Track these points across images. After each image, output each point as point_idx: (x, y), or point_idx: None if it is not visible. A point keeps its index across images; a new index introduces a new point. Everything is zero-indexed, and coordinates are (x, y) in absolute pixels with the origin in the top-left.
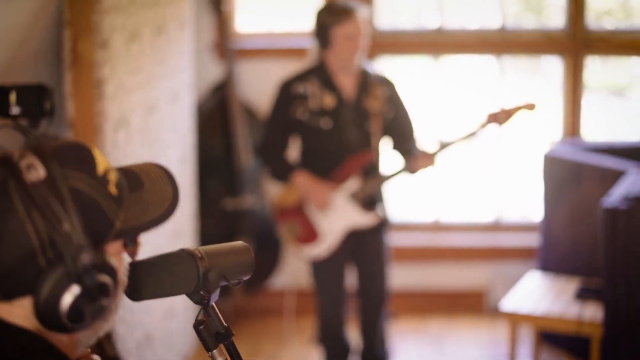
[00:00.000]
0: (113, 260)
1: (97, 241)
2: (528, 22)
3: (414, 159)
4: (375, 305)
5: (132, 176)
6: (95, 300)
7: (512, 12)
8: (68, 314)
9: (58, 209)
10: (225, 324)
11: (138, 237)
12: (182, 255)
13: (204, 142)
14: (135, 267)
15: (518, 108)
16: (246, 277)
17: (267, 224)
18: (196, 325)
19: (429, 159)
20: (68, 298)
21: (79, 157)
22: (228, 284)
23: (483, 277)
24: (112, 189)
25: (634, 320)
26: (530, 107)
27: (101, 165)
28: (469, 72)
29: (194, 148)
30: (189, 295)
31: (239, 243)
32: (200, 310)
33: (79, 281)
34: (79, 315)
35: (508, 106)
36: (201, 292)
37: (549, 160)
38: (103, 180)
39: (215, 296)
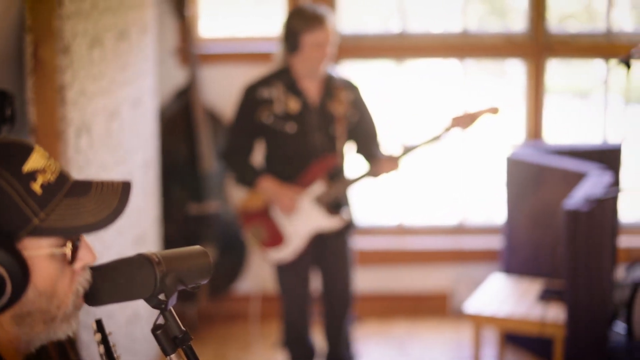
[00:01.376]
0: (26, 255)
1: (9, 234)
2: (492, 25)
3: (378, 163)
4: (340, 309)
5: (81, 184)
6: None
7: (476, 16)
8: None
9: None
10: (183, 328)
11: (79, 240)
12: (139, 260)
13: (167, 147)
14: (92, 272)
15: (482, 112)
16: (204, 281)
17: (232, 228)
18: (154, 330)
19: (393, 163)
20: None
21: (8, 154)
22: (186, 288)
23: (447, 280)
24: (36, 188)
25: (596, 320)
26: (494, 110)
27: (31, 165)
28: (433, 76)
29: (158, 153)
30: (147, 300)
31: (197, 247)
32: (158, 315)
33: None
34: None
35: (472, 110)
36: (159, 297)
37: (511, 163)
38: (26, 178)
39: (172, 300)
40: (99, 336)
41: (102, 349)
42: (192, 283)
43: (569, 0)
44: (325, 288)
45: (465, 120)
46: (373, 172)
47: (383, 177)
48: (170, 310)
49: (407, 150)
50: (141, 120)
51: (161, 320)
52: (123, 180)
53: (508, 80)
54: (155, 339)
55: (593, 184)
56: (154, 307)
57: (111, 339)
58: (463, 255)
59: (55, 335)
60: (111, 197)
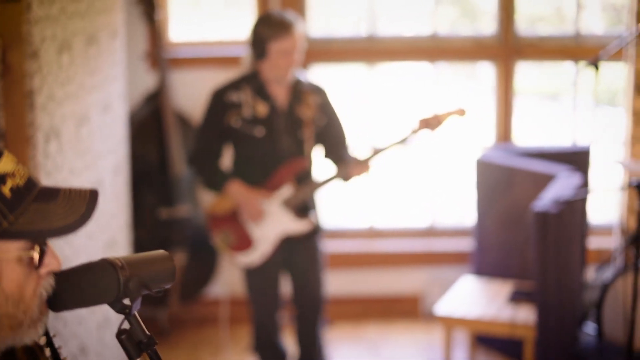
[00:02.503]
0: None
1: None
2: (463, 29)
3: (348, 166)
4: (312, 312)
5: (49, 190)
6: None
7: (447, 19)
8: None
9: None
10: (148, 332)
11: (46, 245)
12: (103, 264)
13: (137, 151)
14: (55, 277)
15: (449, 113)
16: (168, 286)
17: (202, 233)
18: (118, 335)
19: (362, 166)
20: None
21: None
22: (150, 292)
23: (418, 282)
24: (6, 192)
25: (566, 321)
26: (461, 112)
27: (1, 168)
28: (404, 79)
29: (128, 158)
30: (111, 305)
31: (160, 252)
32: (122, 320)
33: None
34: None
35: (439, 112)
36: (123, 302)
37: (481, 165)
38: None
39: (137, 305)
40: (44, 339)
41: (48, 351)
42: (156, 287)
43: (540, 4)
44: (296, 292)
45: (432, 122)
46: (343, 176)
47: (353, 180)
48: (134, 315)
49: (376, 152)
50: (111, 125)
51: (126, 325)
52: (91, 188)
53: (479, 83)
54: (120, 343)
55: (562, 185)
56: (118, 311)
57: (57, 341)
58: (434, 258)
59: (22, 341)
60: (79, 203)
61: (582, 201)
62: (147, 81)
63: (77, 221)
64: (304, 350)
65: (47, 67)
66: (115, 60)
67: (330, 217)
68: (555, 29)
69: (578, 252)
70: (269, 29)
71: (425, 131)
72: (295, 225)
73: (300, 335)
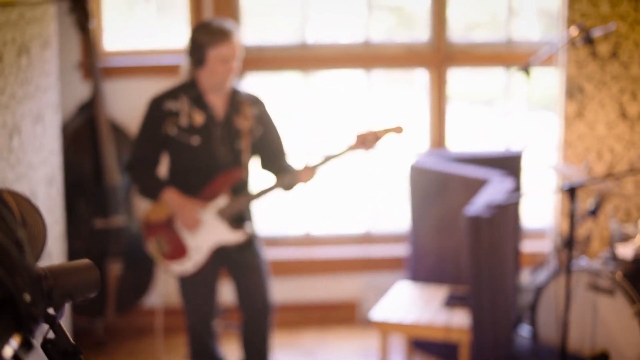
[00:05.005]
0: None
1: None
2: (400, 36)
3: (293, 174)
4: (258, 319)
5: None
6: None
7: (384, 27)
8: None
9: None
10: (73, 342)
11: None
12: None
13: (71, 161)
14: None
15: (386, 130)
16: (92, 295)
17: (138, 243)
18: (43, 344)
19: (310, 172)
20: None
21: None
22: (74, 302)
23: (355, 289)
24: None
25: (500, 324)
26: (399, 130)
27: None
28: (340, 87)
29: (61, 168)
30: None
31: (84, 261)
32: (47, 329)
33: None
34: None
35: (376, 128)
36: (47, 311)
37: (415, 171)
38: None
39: (61, 314)
40: None
41: None
42: (81, 297)
43: (476, 10)
44: (241, 299)
45: (369, 139)
46: (284, 185)
47: (297, 188)
48: (59, 324)
49: (323, 161)
50: (43, 135)
51: (51, 335)
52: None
53: (416, 90)
54: (45, 353)
55: (494, 190)
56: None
57: None
58: (371, 264)
59: None
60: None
61: (515, 205)
62: (81, 91)
63: None
64: (250, 357)
65: None
66: (47, 70)
67: (267, 225)
68: (489, 35)
69: (511, 255)
70: (208, 35)
71: (362, 148)
72: (229, 236)
73: (246, 343)
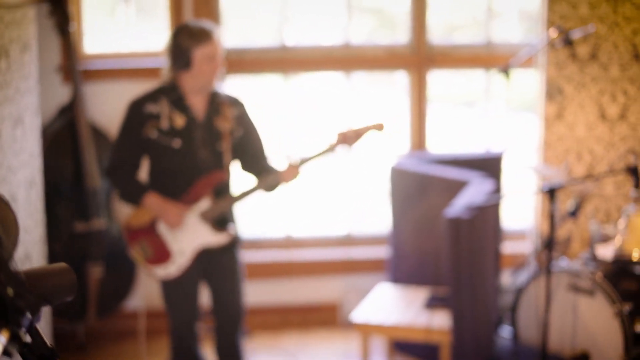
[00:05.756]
0: None
1: None
2: (382, 38)
3: (275, 174)
4: (231, 324)
5: None
6: None
7: (365, 29)
8: None
9: None
10: (50, 345)
11: None
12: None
13: (52, 164)
14: None
15: (367, 128)
16: (68, 299)
17: (119, 246)
18: (20, 349)
19: (293, 171)
20: None
21: None
22: (50, 305)
23: (336, 291)
24: None
25: (480, 325)
26: (380, 127)
27: None
28: (321, 89)
29: (41, 172)
30: None
31: (60, 265)
32: (24, 333)
33: None
34: None
35: (357, 126)
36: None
37: (395, 172)
38: None
39: (38, 318)
40: None
41: None
42: (57, 300)
43: (458, 12)
44: (215, 303)
45: (350, 137)
46: (266, 186)
47: (280, 188)
48: (35, 328)
49: (303, 161)
50: (23, 138)
51: (27, 339)
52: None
53: (397, 92)
54: (22, 357)
55: (475, 192)
56: None
57: None
58: (352, 266)
59: None
60: None
61: (495, 207)
62: (61, 94)
63: None
64: None
65: None
66: (27, 73)
67: (248, 227)
68: (471, 37)
69: (492, 257)
70: (191, 37)
71: (344, 146)
72: (213, 238)
73: (219, 347)
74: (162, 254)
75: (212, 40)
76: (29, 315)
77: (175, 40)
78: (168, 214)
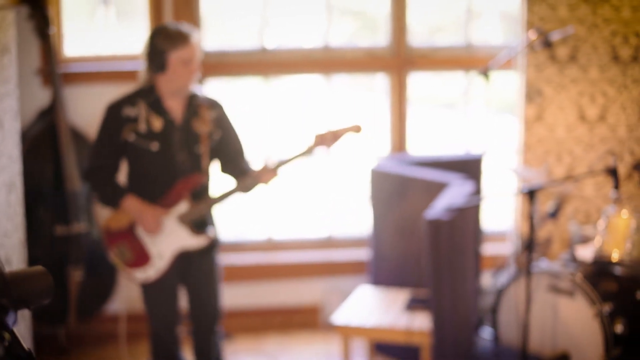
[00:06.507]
0: None
1: None
2: (363, 41)
3: (253, 175)
4: (208, 326)
5: None
6: None
7: (347, 32)
8: None
9: None
10: (26, 348)
11: None
12: None
13: (32, 168)
14: None
15: (345, 130)
16: (45, 302)
17: (100, 249)
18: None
19: (271, 173)
20: None
21: None
22: (27, 308)
23: (317, 293)
24: None
25: (461, 326)
26: (357, 129)
27: None
28: (302, 92)
29: (21, 175)
30: None
31: (37, 268)
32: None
33: None
34: None
35: (335, 128)
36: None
37: (375, 174)
38: None
39: (14, 321)
40: None
41: None
42: (34, 303)
43: (439, 15)
44: (192, 305)
45: (328, 138)
46: (244, 188)
47: (258, 189)
48: (12, 330)
49: (281, 163)
50: (2, 141)
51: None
52: None
53: (377, 94)
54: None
55: (454, 193)
56: None
57: None
58: (332, 268)
59: None
60: None
61: (475, 208)
62: (41, 97)
63: None
64: None
65: None
66: (7, 76)
67: (229, 230)
68: (450, 39)
69: (472, 258)
70: (167, 39)
71: (321, 148)
72: (191, 241)
73: (197, 349)
74: (141, 257)
75: (189, 44)
76: (13, 314)
77: (152, 41)
78: (146, 219)
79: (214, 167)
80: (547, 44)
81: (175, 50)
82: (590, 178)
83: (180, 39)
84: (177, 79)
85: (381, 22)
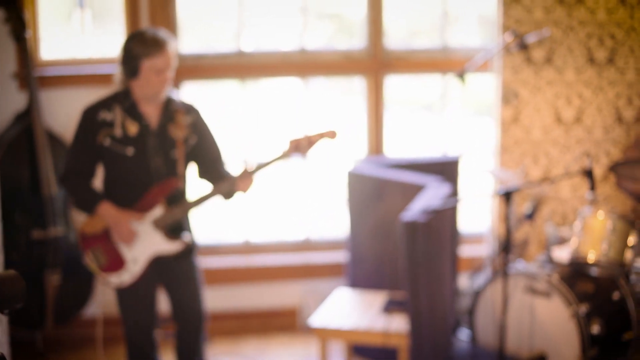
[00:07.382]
0: None
1: None
2: (340, 44)
3: (232, 182)
4: (192, 330)
5: None
6: None
7: (324, 34)
8: None
9: None
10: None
11: None
12: None
13: (8, 172)
14: None
15: (320, 135)
16: (18, 306)
17: (77, 253)
18: None
19: (248, 180)
20: None
21: None
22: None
23: (296, 296)
24: None
25: (438, 328)
26: (332, 134)
27: None
28: (279, 95)
29: None
30: None
31: (9, 272)
32: None
33: None
34: None
35: (310, 133)
36: None
37: (352, 177)
38: None
39: None
40: None
41: None
42: (6, 307)
43: (417, 18)
44: (175, 310)
45: (303, 144)
46: (224, 192)
47: (237, 195)
48: None
49: (258, 167)
50: None
51: None
52: None
53: (355, 97)
54: None
55: (431, 195)
56: None
57: None
58: (310, 271)
59: None
60: None
61: (452, 210)
62: (17, 100)
63: None
64: None
65: None
66: None
67: (206, 233)
68: (428, 41)
69: (449, 260)
70: (141, 46)
71: (296, 154)
72: (166, 246)
73: (180, 352)
74: (115, 262)
75: (162, 52)
76: None
77: (126, 46)
78: (119, 229)
79: (191, 172)
80: (523, 47)
81: (148, 58)
82: (566, 179)
83: (154, 46)
84: (148, 86)
85: (358, 25)
